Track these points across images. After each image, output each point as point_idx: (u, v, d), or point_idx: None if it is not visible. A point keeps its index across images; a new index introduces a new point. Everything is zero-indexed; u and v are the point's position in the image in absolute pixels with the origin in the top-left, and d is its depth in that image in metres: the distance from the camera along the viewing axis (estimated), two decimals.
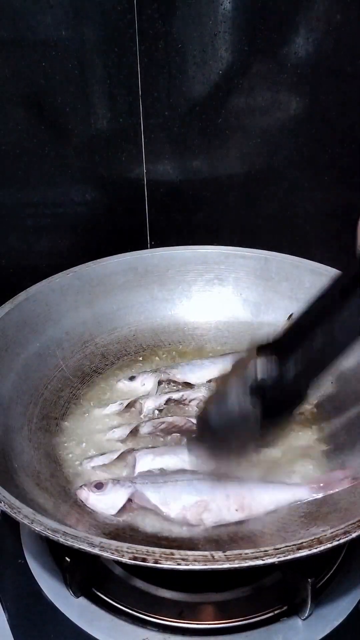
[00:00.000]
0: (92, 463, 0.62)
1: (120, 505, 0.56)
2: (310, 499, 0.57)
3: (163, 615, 0.55)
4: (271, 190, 0.97)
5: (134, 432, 0.67)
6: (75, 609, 0.56)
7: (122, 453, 0.62)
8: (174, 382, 0.76)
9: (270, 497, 0.57)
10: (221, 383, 0.54)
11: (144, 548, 0.43)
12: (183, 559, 0.42)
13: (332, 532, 0.44)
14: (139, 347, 0.84)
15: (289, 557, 0.42)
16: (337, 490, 0.57)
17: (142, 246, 0.98)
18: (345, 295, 0.48)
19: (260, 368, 0.49)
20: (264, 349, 0.51)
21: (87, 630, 0.54)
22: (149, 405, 0.71)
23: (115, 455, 0.62)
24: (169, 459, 0.61)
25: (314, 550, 0.43)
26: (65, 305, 0.80)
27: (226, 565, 0.42)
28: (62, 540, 0.44)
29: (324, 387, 0.72)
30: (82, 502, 0.57)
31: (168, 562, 0.42)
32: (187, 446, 0.61)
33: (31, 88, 0.85)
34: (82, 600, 0.57)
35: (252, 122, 0.91)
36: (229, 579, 0.58)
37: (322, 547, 0.43)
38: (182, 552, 0.43)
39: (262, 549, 0.43)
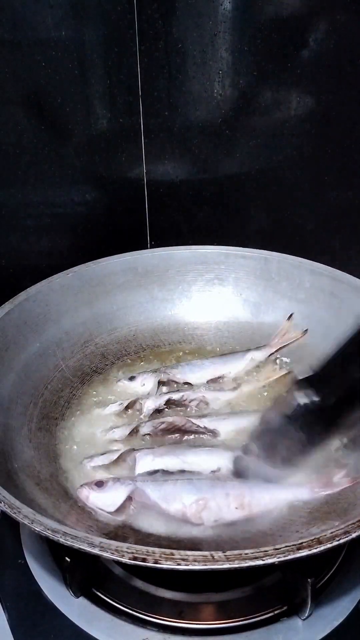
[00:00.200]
0: (92, 463, 0.62)
1: (120, 501, 0.56)
2: (310, 499, 0.57)
3: (163, 615, 0.55)
4: (271, 190, 0.97)
5: (134, 432, 0.67)
6: (75, 609, 0.56)
7: (122, 453, 0.62)
8: (174, 382, 0.76)
9: (270, 496, 0.56)
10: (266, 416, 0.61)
11: (144, 548, 0.43)
12: (183, 559, 0.42)
13: (332, 532, 0.44)
14: (139, 347, 0.84)
15: (289, 557, 0.42)
16: (337, 490, 0.57)
17: (142, 246, 0.98)
18: None
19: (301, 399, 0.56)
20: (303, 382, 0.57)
21: (87, 630, 0.54)
22: (149, 405, 0.71)
23: (116, 456, 0.62)
24: (169, 459, 0.61)
25: (314, 551, 0.43)
26: (65, 305, 0.80)
27: (226, 565, 0.42)
28: (62, 540, 0.44)
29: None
30: (83, 501, 0.57)
31: (168, 562, 0.42)
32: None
33: (31, 88, 0.85)
34: (82, 600, 0.57)
35: (252, 122, 0.91)
36: (229, 579, 0.58)
37: (322, 547, 0.43)
38: (182, 552, 0.43)
39: (262, 549, 0.43)
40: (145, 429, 0.67)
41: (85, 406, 0.73)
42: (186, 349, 0.84)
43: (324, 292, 0.79)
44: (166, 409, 0.72)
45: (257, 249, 0.87)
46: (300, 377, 0.58)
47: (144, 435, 0.67)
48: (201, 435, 0.67)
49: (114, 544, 0.43)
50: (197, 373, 0.77)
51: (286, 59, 0.86)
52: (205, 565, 0.42)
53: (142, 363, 0.82)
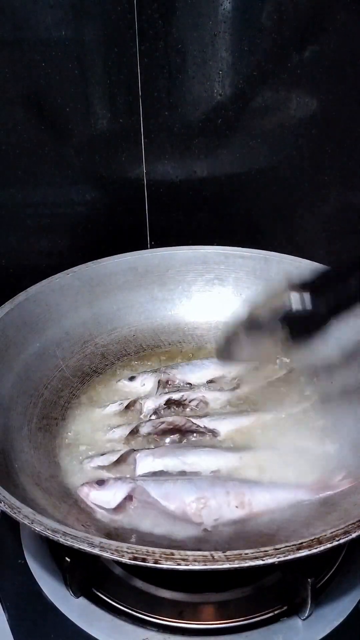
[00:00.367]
0: (92, 463, 0.62)
1: (120, 499, 0.56)
2: (311, 499, 0.57)
3: (163, 615, 0.55)
4: (271, 190, 0.97)
5: (134, 432, 0.67)
6: (75, 609, 0.56)
7: (122, 454, 0.62)
8: (174, 382, 0.76)
9: (270, 495, 0.57)
10: (254, 308, 0.61)
11: (143, 548, 0.43)
12: (183, 559, 0.42)
13: (332, 532, 0.44)
14: (139, 347, 0.84)
15: (289, 557, 0.42)
16: (337, 491, 0.57)
17: (142, 246, 0.98)
18: None
19: (294, 301, 0.57)
20: (298, 285, 0.57)
21: (87, 630, 0.54)
22: (149, 405, 0.71)
23: (115, 457, 0.62)
24: (169, 460, 0.61)
25: (314, 551, 0.43)
26: (65, 305, 0.80)
27: (226, 566, 0.42)
28: (62, 540, 0.44)
29: (325, 386, 0.72)
30: (83, 499, 0.57)
31: (168, 562, 0.42)
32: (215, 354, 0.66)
33: (31, 88, 0.85)
34: (82, 601, 0.57)
35: (252, 122, 0.91)
36: (229, 579, 0.58)
37: (322, 547, 0.43)
38: (182, 552, 0.43)
39: (262, 549, 0.43)
40: (145, 429, 0.67)
41: (85, 406, 0.73)
42: (186, 349, 0.84)
43: None
44: (166, 409, 0.72)
45: (257, 249, 0.87)
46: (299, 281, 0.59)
47: (144, 435, 0.67)
48: (201, 435, 0.68)
49: (114, 544, 0.43)
50: (197, 373, 0.77)
51: (286, 59, 0.86)
52: (205, 565, 0.42)
53: (142, 363, 0.81)
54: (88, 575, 0.57)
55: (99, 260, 0.85)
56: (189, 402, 0.73)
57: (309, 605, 0.52)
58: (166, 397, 0.72)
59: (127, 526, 0.55)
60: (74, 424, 0.70)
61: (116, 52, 0.85)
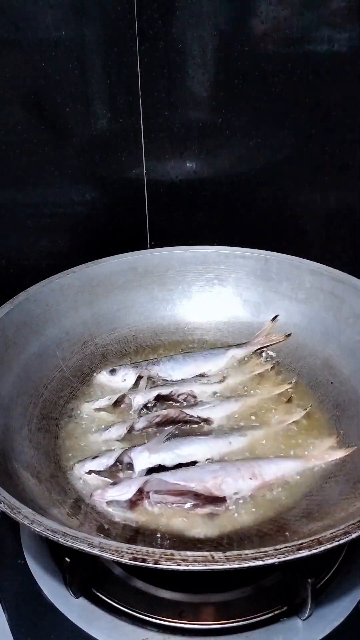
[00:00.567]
0: (83, 468, 0.62)
1: (135, 489, 0.56)
2: (310, 466, 0.62)
3: (163, 615, 0.55)
4: (271, 190, 0.97)
5: (129, 429, 0.67)
6: (75, 609, 0.56)
7: (117, 459, 0.62)
8: (155, 378, 0.76)
9: (276, 466, 0.61)
10: None
11: (143, 548, 0.43)
12: (183, 560, 0.42)
13: (332, 533, 0.44)
14: (139, 347, 0.84)
15: (289, 557, 0.42)
16: (334, 458, 0.62)
17: (142, 246, 0.98)
18: None
19: None
20: None
21: (87, 630, 0.54)
22: (139, 401, 0.72)
23: (106, 458, 0.62)
24: (164, 455, 0.61)
25: (314, 551, 0.43)
26: (65, 305, 0.80)
27: (226, 566, 0.42)
28: (61, 540, 0.44)
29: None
30: (99, 501, 0.57)
31: (168, 563, 0.42)
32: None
33: (31, 88, 0.85)
34: (82, 601, 0.57)
35: (252, 122, 0.91)
36: (229, 579, 0.58)
37: (322, 548, 0.43)
38: (182, 552, 0.43)
39: (262, 550, 0.43)
40: (140, 424, 0.68)
41: (85, 407, 0.73)
42: (186, 349, 0.84)
43: (324, 292, 0.79)
44: (156, 404, 0.72)
45: (257, 249, 0.87)
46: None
47: (139, 430, 0.68)
48: (195, 425, 0.69)
49: (114, 544, 0.43)
50: (177, 370, 0.77)
51: (286, 58, 0.86)
52: (205, 565, 0.42)
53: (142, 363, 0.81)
54: (88, 575, 0.57)
55: (99, 260, 0.85)
56: (178, 396, 0.73)
57: (309, 606, 0.52)
58: (155, 392, 0.73)
59: (127, 526, 0.55)
60: (73, 424, 0.70)
61: (116, 52, 0.85)
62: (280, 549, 0.43)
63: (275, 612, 0.55)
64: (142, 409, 0.72)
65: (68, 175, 0.92)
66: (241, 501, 0.58)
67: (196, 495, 0.57)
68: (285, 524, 0.55)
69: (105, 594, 0.57)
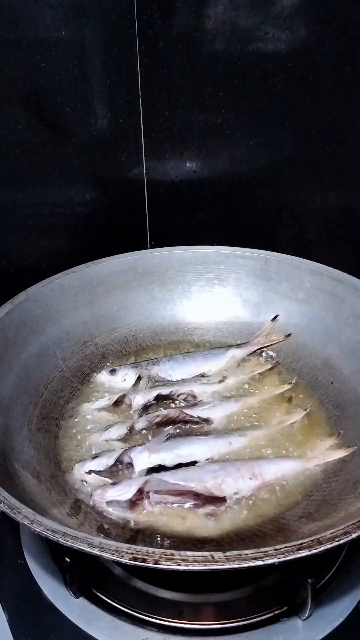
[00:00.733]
0: (84, 468, 0.62)
1: (135, 489, 0.57)
2: (310, 466, 0.62)
3: (163, 615, 0.55)
4: (271, 190, 0.97)
5: (129, 429, 0.67)
6: (75, 609, 0.56)
7: (117, 459, 0.62)
8: (154, 378, 0.76)
9: (276, 466, 0.62)
10: None
11: (143, 548, 0.43)
12: (183, 560, 0.42)
13: (332, 533, 0.44)
14: (139, 347, 0.84)
15: (289, 557, 0.42)
16: (334, 459, 0.62)
17: (142, 246, 0.98)
18: None
19: None
20: None
21: (87, 630, 0.54)
22: (139, 401, 0.72)
23: (106, 458, 0.62)
24: (164, 455, 0.62)
25: (314, 551, 0.43)
26: (65, 305, 0.80)
27: (226, 566, 0.42)
28: (61, 540, 0.44)
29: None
30: (99, 501, 0.57)
31: (168, 563, 0.42)
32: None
33: (31, 88, 0.85)
34: (82, 601, 0.57)
35: (252, 122, 0.91)
36: (229, 579, 0.58)
37: (322, 548, 0.43)
38: (182, 552, 0.43)
39: (262, 550, 0.43)
40: (140, 424, 0.68)
41: (85, 406, 0.73)
42: (186, 349, 0.84)
43: (324, 292, 0.79)
44: (155, 404, 0.72)
45: (257, 249, 0.87)
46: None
47: (140, 430, 0.68)
48: (195, 425, 0.69)
49: (114, 544, 0.43)
50: (177, 370, 0.78)
51: (286, 58, 0.86)
52: (205, 565, 0.42)
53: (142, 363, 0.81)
54: (88, 575, 0.57)
55: (99, 260, 0.85)
56: (178, 396, 0.73)
57: (309, 606, 0.52)
58: (155, 392, 0.73)
59: (126, 526, 0.55)
60: (73, 424, 0.70)
61: (116, 52, 0.85)
62: (280, 549, 0.43)
63: (275, 612, 0.55)
64: (142, 409, 0.72)
65: (68, 175, 0.93)
66: (241, 501, 0.58)
67: (196, 495, 0.57)
68: (285, 524, 0.55)
69: (105, 594, 0.57)
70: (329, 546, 0.43)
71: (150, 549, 0.43)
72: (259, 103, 0.90)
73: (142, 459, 0.61)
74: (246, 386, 0.76)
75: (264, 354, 0.81)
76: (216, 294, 0.88)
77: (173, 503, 0.57)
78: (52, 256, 0.98)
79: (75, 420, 0.71)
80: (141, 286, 0.87)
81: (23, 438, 0.64)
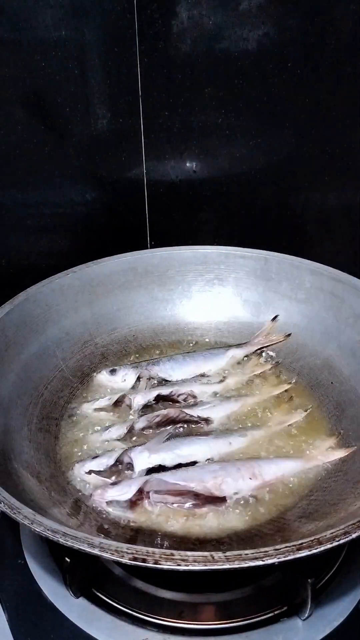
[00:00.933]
0: (84, 468, 0.62)
1: (135, 489, 0.57)
2: (310, 466, 0.62)
3: (163, 615, 0.55)
4: (271, 190, 0.97)
5: (129, 429, 0.67)
6: (75, 609, 0.56)
7: (117, 459, 0.62)
8: (154, 378, 0.76)
9: (276, 466, 0.62)
10: None
11: (143, 548, 0.43)
12: (183, 560, 0.42)
13: (332, 533, 0.44)
14: (139, 347, 0.84)
15: (289, 557, 0.42)
16: (334, 459, 0.62)
17: (142, 246, 0.98)
18: None
19: None
20: None
21: (87, 630, 0.54)
22: (139, 401, 0.72)
23: (106, 458, 0.62)
24: (164, 455, 0.62)
25: (314, 551, 0.43)
26: (65, 305, 0.80)
27: (226, 566, 0.42)
28: (61, 540, 0.44)
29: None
30: (99, 500, 0.57)
31: (168, 563, 0.42)
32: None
33: (31, 88, 0.85)
34: (82, 601, 0.57)
35: (252, 122, 0.91)
36: (229, 579, 0.58)
37: (322, 548, 0.43)
38: (182, 552, 0.43)
39: (262, 550, 0.43)
40: (140, 424, 0.68)
41: (85, 406, 0.73)
42: (186, 349, 0.84)
43: (324, 292, 0.79)
44: (155, 404, 0.72)
45: (257, 249, 0.87)
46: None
47: (140, 430, 0.68)
48: (195, 424, 0.69)
49: (114, 544, 0.43)
50: (177, 370, 0.78)
51: (286, 58, 0.86)
52: (205, 565, 0.42)
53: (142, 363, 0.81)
54: (88, 575, 0.57)
55: (99, 260, 0.85)
56: (178, 396, 0.73)
57: (309, 606, 0.52)
58: (155, 392, 0.73)
59: (126, 526, 0.55)
60: (73, 424, 0.70)
61: (116, 52, 0.85)
62: (280, 549, 0.43)
63: (275, 612, 0.55)
64: (142, 409, 0.72)
65: (68, 175, 0.93)
66: (241, 501, 0.58)
67: (196, 495, 0.57)
68: (285, 524, 0.55)
69: (105, 594, 0.57)
70: (329, 546, 0.43)
71: (150, 549, 0.43)
72: (259, 103, 0.90)
73: (142, 459, 0.61)
74: (246, 386, 0.76)
75: (264, 354, 0.81)
76: (216, 294, 0.88)
77: (173, 503, 0.57)
78: (52, 256, 0.98)
79: (75, 420, 0.71)
80: (141, 286, 0.87)
81: (23, 438, 0.64)
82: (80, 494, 0.60)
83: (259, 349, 0.81)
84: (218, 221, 1.00)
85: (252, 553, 0.42)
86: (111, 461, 0.61)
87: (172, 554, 0.43)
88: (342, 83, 0.88)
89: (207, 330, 0.87)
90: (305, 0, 0.82)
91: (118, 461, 0.61)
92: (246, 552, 0.42)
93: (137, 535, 0.54)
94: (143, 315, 0.87)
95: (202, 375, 0.77)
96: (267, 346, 0.81)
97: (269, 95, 0.89)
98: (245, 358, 0.81)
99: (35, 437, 0.66)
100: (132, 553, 0.43)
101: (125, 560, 0.42)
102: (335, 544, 0.44)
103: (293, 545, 0.43)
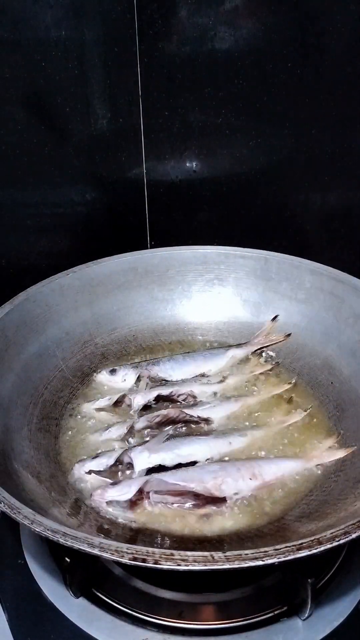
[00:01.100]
0: (84, 468, 0.62)
1: (135, 489, 0.57)
2: (310, 466, 0.62)
3: (163, 615, 0.55)
4: (271, 190, 0.97)
5: (129, 429, 0.67)
6: (75, 609, 0.56)
7: (118, 458, 0.62)
8: (155, 379, 0.76)
9: (276, 466, 0.62)
10: None
11: (143, 548, 0.43)
12: (183, 560, 0.42)
13: (332, 533, 0.44)
14: (139, 347, 0.84)
15: (289, 557, 0.42)
16: (334, 459, 0.62)
17: (142, 246, 0.98)
18: None
19: None
20: None
21: (87, 630, 0.54)
22: (139, 401, 0.72)
23: (106, 458, 0.62)
24: (164, 455, 0.62)
25: (314, 551, 0.43)
26: (65, 305, 0.80)
27: (226, 566, 0.42)
28: (61, 540, 0.44)
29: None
30: (99, 500, 0.57)
31: (168, 563, 0.42)
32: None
33: (31, 88, 0.85)
34: (82, 601, 0.57)
35: (252, 122, 0.91)
36: (229, 579, 0.58)
37: (322, 548, 0.43)
38: (182, 552, 0.43)
39: (262, 550, 0.43)
40: (140, 424, 0.68)
41: (85, 406, 0.73)
42: (186, 349, 0.84)
43: (324, 292, 0.79)
44: (155, 404, 0.72)
45: (257, 249, 0.87)
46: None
47: (140, 430, 0.68)
48: (195, 425, 0.69)
49: (114, 544, 0.43)
50: (177, 370, 0.78)
51: (285, 58, 0.86)
52: (205, 565, 0.42)
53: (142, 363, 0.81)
54: (88, 575, 0.57)
55: (99, 260, 0.85)
56: (178, 396, 0.73)
57: (309, 606, 0.52)
58: (155, 392, 0.73)
59: (126, 526, 0.55)
60: (73, 424, 0.70)
61: (116, 52, 0.85)
62: (280, 549, 0.43)
63: (275, 612, 0.55)
64: (142, 409, 0.72)
65: (68, 175, 0.93)
66: (241, 501, 0.58)
67: (196, 496, 0.57)
68: (285, 524, 0.55)
69: (105, 594, 0.57)
70: (329, 546, 0.43)
71: (150, 549, 0.43)
72: (259, 103, 0.90)
73: (142, 459, 0.61)
74: (246, 386, 0.76)
75: (264, 354, 0.81)
76: (216, 294, 0.88)
77: (173, 503, 0.57)
78: (52, 256, 0.98)
79: (75, 420, 0.71)
80: (141, 286, 0.87)
81: (23, 438, 0.64)
82: (80, 494, 0.60)
83: (259, 349, 0.82)
84: (218, 221, 1.00)
85: (252, 553, 0.42)
86: (111, 461, 0.61)
87: (172, 554, 0.43)
88: (342, 83, 0.88)
89: (207, 330, 0.87)
90: (305, 1, 0.82)
91: (118, 461, 0.61)
92: (246, 552, 0.42)
93: (137, 535, 0.54)
94: (143, 315, 0.87)
95: (202, 375, 0.77)
96: (267, 346, 0.81)
97: (269, 95, 0.89)
98: (246, 358, 0.81)
99: (35, 437, 0.66)
100: (132, 553, 0.43)
101: (125, 560, 0.42)
102: (335, 544, 0.44)
103: (293, 545, 0.43)
